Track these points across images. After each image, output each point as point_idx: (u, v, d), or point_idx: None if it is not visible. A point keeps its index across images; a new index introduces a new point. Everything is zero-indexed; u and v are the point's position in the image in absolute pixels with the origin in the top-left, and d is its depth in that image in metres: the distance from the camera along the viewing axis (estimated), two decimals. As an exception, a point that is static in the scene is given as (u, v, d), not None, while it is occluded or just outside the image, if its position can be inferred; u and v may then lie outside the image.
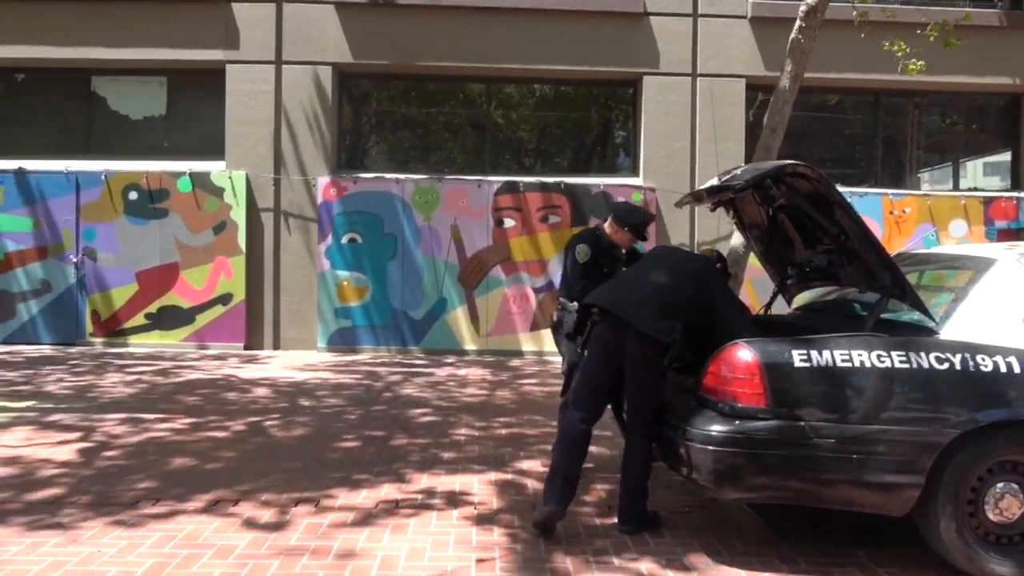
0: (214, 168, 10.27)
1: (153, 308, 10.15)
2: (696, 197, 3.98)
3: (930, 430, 3.05)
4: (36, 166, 10.18)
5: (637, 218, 4.25)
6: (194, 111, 10.69)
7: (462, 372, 8.51)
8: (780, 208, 3.77)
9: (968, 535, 3.07)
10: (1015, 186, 10.96)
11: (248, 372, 8.15)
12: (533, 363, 9.49)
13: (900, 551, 3.34)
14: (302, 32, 10.28)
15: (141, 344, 10.03)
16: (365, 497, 3.95)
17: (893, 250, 10.14)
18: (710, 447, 3.10)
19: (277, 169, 10.26)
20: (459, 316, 10.19)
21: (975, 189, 11.10)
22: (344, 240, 10.14)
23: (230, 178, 10.15)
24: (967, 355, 3.10)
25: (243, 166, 10.23)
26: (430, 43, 10.27)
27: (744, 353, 3.12)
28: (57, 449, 4.81)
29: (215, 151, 10.38)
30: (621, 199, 10.19)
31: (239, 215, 10.14)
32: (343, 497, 3.94)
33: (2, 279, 10.12)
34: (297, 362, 9.00)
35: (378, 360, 9.35)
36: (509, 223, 10.23)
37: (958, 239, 10.38)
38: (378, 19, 10.27)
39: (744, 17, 10.36)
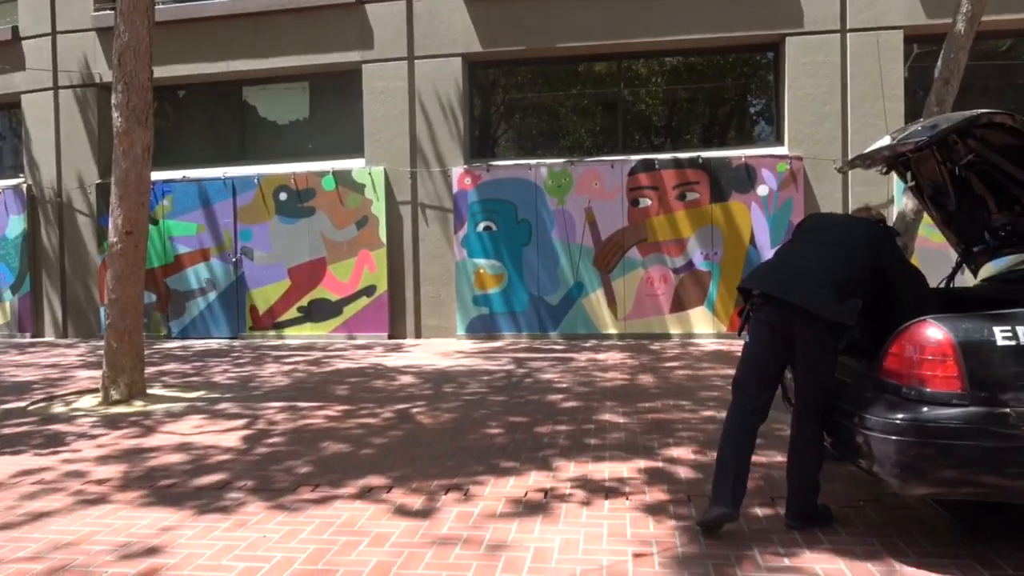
0: (355, 166, 10.66)
1: (304, 302, 10.70)
2: (867, 159, 3.57)
3: None
4: (198, 174, 10.99)
5: None
6: (334, 112, 11.14)
7: (602, 356, 8.34)
8: (968, 166, 3.31)
9: None
10: None
11: (393, 360, 8.39)
12: (674, 346, 9.17)
13: None
14: (432, 26, 10.42)
15: (295, 336, 10.61)
16: (513, 486, 3.89)
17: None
18: (894, 437, 2.76)
19: (413, 162, 10.49)
20: (596, 300, 10.01)
21: None
22: (480, 228, 10.22)
23: (370, 174, 10.49)
24: None
25: (381, 162, 10.54)
26: (557, 25, 10.12)
27: (934, 331, 2.75)
28: (223, 436, 5.11)
29: (355, 149, 10.77)
30: (765, 171, 9.62)
31: (379, 209, 10.46)
32: (491, 485, 3.90)
33: (174, 279, 11.02)
34: (439, 349, 9.18)
35: (517, 346, 9.37)
36: (645, 202, 9.92)
37: None
38: (505, 6, 10.24)
39: (899, -39, 9.43)
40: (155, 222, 11.19)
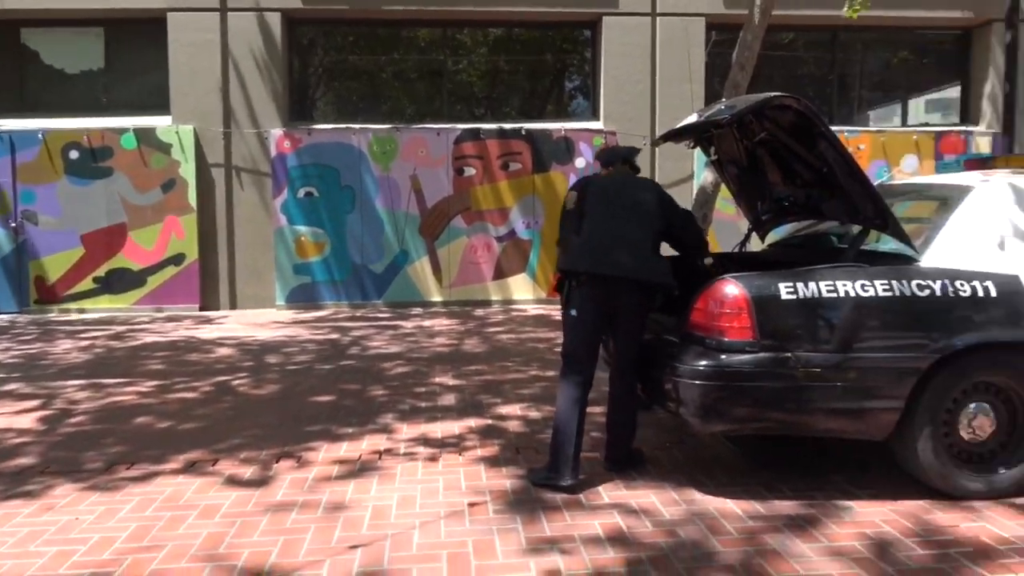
0: (159, 123, 9.82)
1: (101, 272, 9.77)
2: (676, 134, 3.90)
3: (911, 356, 3.11)
4: (-36, 125, 9.59)
5: (621, 153, 4.01)
6: (135, 63, 10.16)
7: (428, 323, 8.44)
8: (760, 143, 3.74)
9: (943, 454, 3.17)
10: (964, 120, 11.17)
11: (208, 332, 7.94)
12: (498, 312, 9.46)
13: (874, 475, 3.43)
14: (245, -24, 9.78)
15: (91, 309, 9.68)
16: (347, 450, 3.89)
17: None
18: (697, 381, 3.11)
19: (227, 122, 9.86)
20: (421, 268, 10.06)
21: (925, 124, 11.29)
22: (300, 194, 9.86)
23: (177, 133, 9.73)
24: (946, 281, 3.15)
25: (190, 120, 9.80)
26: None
27: (732, 288, 3.11)
28: (16, 418, 4.62)
29: (159, 105, 9.92)
30: (582, 144, 10.11)
31: (188, 171, 9.75)
32: (325, 450, 3.88)
33: (-63, 246, 9.61)
34: (258, 320, 8.81)
35: (341, 315, 9.21)
36: (469, 171, 10.07)
37: (910, 174, 10.58)
38: (325, -39, 9.83)
39: (702, -46, 10.20)
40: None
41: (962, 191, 3.45)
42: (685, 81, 10.29)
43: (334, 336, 7.55)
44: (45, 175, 9.69)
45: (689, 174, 10.25)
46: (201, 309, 9.78)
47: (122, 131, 9.69)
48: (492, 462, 3.69)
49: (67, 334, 7.94)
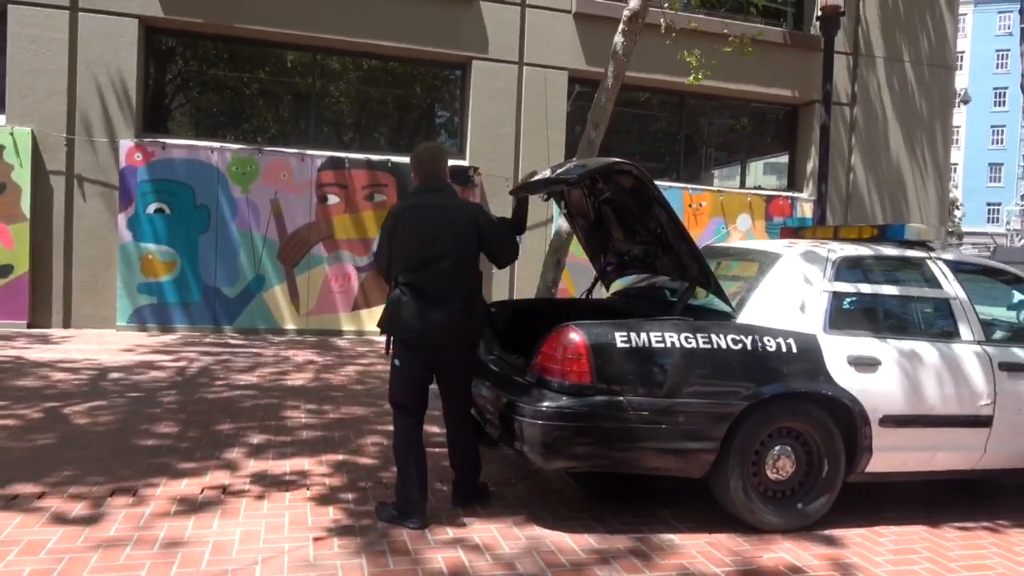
0: (-7, 123, 9.06)
1: (-89, 280, 8.82)
2: (529, 188, 4.17)
3: (725, 402, 3.50)
4: None
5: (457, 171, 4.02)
6: (-35, 55, 9.34)
7: (285, 352, 8.26)
8: (605, 201, 4.09)
9: (751, 491, 3.57)
10: (791, 186, 12.49)
11: (37, 353, 7.36)
12: (356, 343, 9.42)
13: (695, 509, 3.80)
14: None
15: None
16: (188, 484, 3.79)
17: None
18: (540, 421, 3.34)
19: (71, 128, 9.26)
20: (278, 294, 9.83)
21: (759, 188, 12.50)
22: (151, 210, 9.39)
23: (11, 134, 9.02)
24: (756, 337, 3.59)
25: (29, 122, 9.12)
26: (248, 5, 9.73)
27: (574, 335, 3.38)
28: None
29: (-7, 103, 9.16)
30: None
31: (22, 177, 9.04)
32: (164, 485, 3.75)
33: None
34: (96, 342, 8.26)
35: (190, 340, 8.81)
36: (333, 200, 10.01)
37: (744, 232, 11.66)
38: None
39: (569, 12, 10.83)
40: None
41: (772, 257, 3.95)
42: (546, 129, 10.82)
43: (181, 363, 7.23)
44: None
45: (548, 218, 10.74)
46: (30, 326, 9.02)
47: (-43, 128, 8.86)
48: (339, 498, 3.73)
49: None
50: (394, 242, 3.49)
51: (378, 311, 9.96)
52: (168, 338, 8.89)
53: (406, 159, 10.35)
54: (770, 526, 3.60)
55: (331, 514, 3.50)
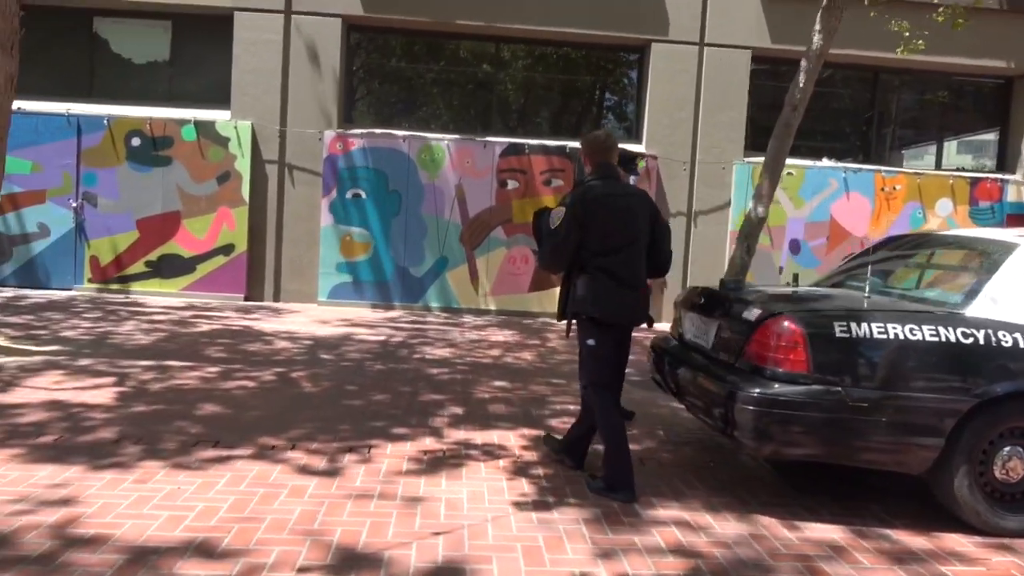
0: (219, 117, 10.21)
1: (153, 256, 10.16)
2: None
3: (952, 398, 3.34)
4: (36, 107, 10.01)
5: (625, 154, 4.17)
6: (200, 58, 10.57)
7: (466, 330, 8.72)
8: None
9: (977, 492, 3.40)
10: (1000, 167, 11.35)
11: (260, 323, 8.27)
12: (535, 323, 9.73)
13: (909, 506, 3.67)
14: (311, -18, 10.16)
15: (141, 292, 10.06)
16: (411, 447, 4.16)
17: (881, 226, 10.48)
18: (753, 407, 3.36)
19: (283, 121, 10.23)
20: (459, 275, 10.36)
21: (961, 169, 11.45)
22: (349, 195, 10.20)
23: (235, 128, 10.11)
24: (989, 331, 3.39)
25: (249, 116, 10.18)
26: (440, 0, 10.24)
27: (789, 324, 3.37)
28: (93, 393, 4.94)
29: (221, 100, 10.31)
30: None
31: (243, 165, 10.12)
32: (390, 448, 4.15)
33: (1, 220, 10.03)
34: (302, 314, 9.14)
35: (382, 316, 9.52)
36: (512, 184, 10.37)
37: (943, 218, 10.76)
38: (389, -28, 10.18)
39: (753, -11, 10.46)
40: (-21, 156, 10.07)
41: (1006, 247, 3.69)
42: (727, 110, 10.54)
43: (379, 336, 7.85)
44: (107, 159, 10.09)
45: (726, 201, 10.50)
46: (246, 299, 10.13)
47: (183, 122, 10.08)
48: (550, 469, 3.95)
49: (129, 315, 8.30)
50: (587, 227, 3.56)
51: (553, 293, 10.32)
52: (363, 313, 9.65)
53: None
54: (995, 529, 3.41)
55: (545, 482, 3.72)
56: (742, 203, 10.48)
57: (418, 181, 10.24)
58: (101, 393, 4.93)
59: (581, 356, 3.73)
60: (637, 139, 10.82)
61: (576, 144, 10.41)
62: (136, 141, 10.08)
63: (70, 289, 10.04)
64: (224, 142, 10.10)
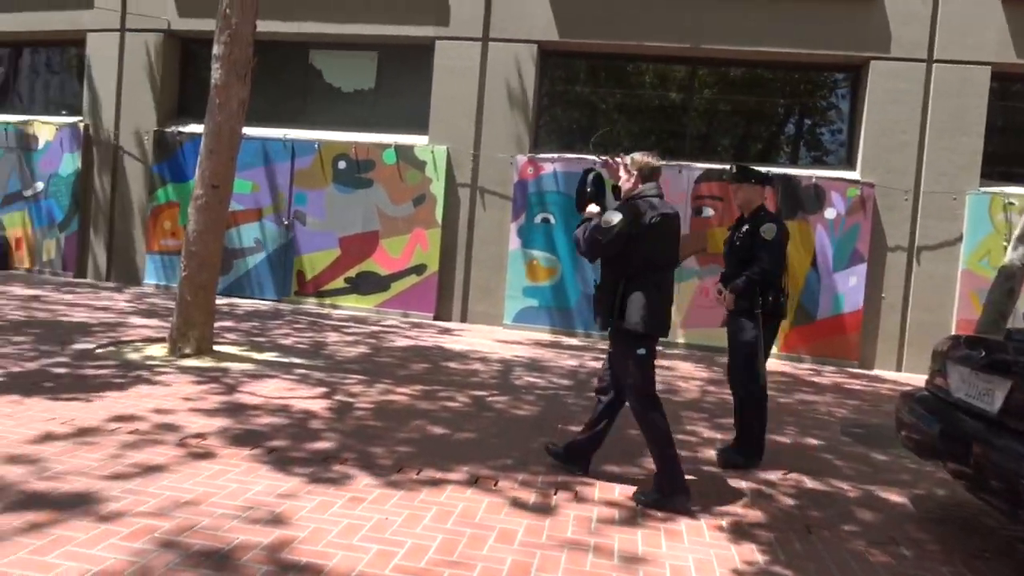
0: (418, 142, 10.55)
1: (353, 273, 10.63)
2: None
3: None
4: (258, 132, 10.86)
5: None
6: (402, 86, 11.02)
7: (660, 362, 8.23)
8: None
9: None
10: None
11: (451, 343, 8.32)
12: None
13: None
14: (510, 9, 10.28)
15: (339, 306, 10.55)
16: (621, 493, 3.81)
17: None
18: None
19: (477, 145, 10.38)
20: (648, 304, 9.90)
21: None
22: (538, 219, 10.12)
23: (432, 152, 10.39)
24: None
25: (445, 141, 10.43)
26: (635, 22, 9.97)
27: None
28: (311, 402, 5.05)
29: (420, 125, 10.66)
30: (834, 194, 9.50)
31: (438, 189, 10.37)
32: (599, 489, 3.82)
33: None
34: (490, 336, 9.12)
35: (569, 343, 9.29)
36: (708, 212, 9.82)
37: None
38: (586, -3, 10.08)
39: (997, -4, 9.26)
40: (209, 176, 11.10)
41: None
42: (960, 133, 9.35)
43: (569, 363, 7.61)
44: (316, 181, 10.74)
45: (957, 236, 9.28)
46: (435, 318, 10.32)
47: (384, 147, 10.52)
48: (778, 531, 3.44)
49: (332, 327, 8.68)
50: (642, 240, 3.68)
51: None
52: (548, 338, 9.47)
53: (787, 171, 9.80)
54: None
55: (779, 553, 3.22)
56: (977, 238, 9.24)
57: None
58: (319, 403, 5.05)
59: (621, 366, 3.83)
60: (850, 165, 9.89)
61: (779, 169, 9.69)
62: (342, 164, 10.65)
63: (278, 300, 10.75)
64: (421, 166, 10.41)
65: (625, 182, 3.91)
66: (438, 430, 4.65)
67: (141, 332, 7.34)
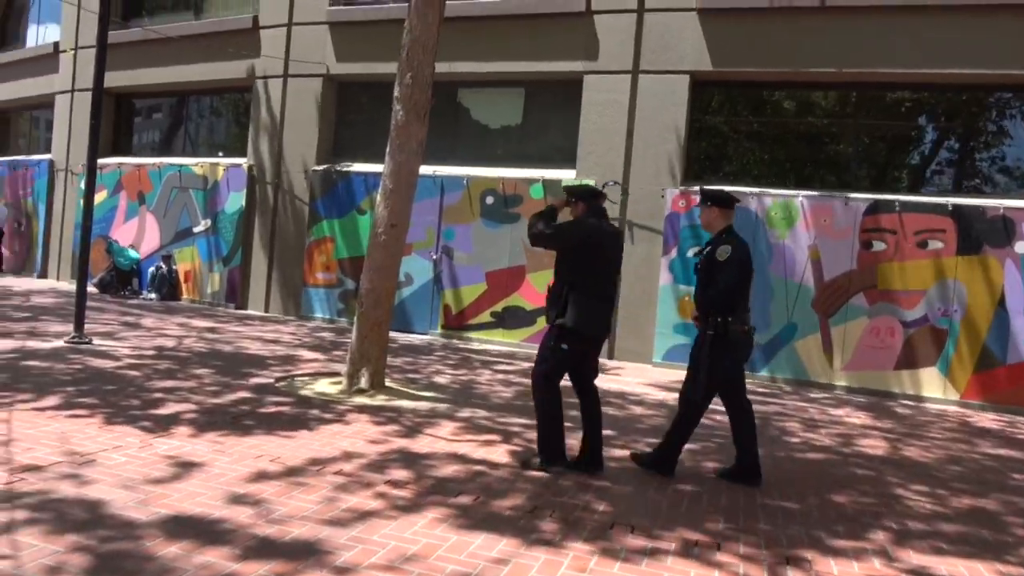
0: (565, 176, 10.48)
1: (499, 307, 10.65)
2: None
3: None
4: (409, 169, 11.12)
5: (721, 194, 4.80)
6: (549, 120, 11.05)
7: (830, 409, 7.69)
8: None
9: None
10: None
11: (606, 382, 8.08)
12: (909, 407, 8.34)
13: None
14: (661, 41, 10.11)
15: (486, 340, 10.57)
16: (859, 569, 3.43)
17: None
18: None
19: (626, 179, 10.21)
20: (810, 345, 9.34)
21: None
22: (689, 253, 9.77)
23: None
24: None
25: (593, 175, 10.29)
26: (793, 47, 9.55)
27: None
28: (489, 450, 4.94)
29: (567, 160, 10.62)
30: (1027, 226, 8.65)
31: (586, 223, 10.22)
32: (836, 569, 3.44)
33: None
34: (642, 376, 8.83)
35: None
36: (879, 246, 9.15)
37: None
38: (741, 23, 9.76)
39: None
40: (362, 212, 11.51)
41: None
42: None
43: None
44: (464, 216, 10.89)
45: None
46: (581, 355, 10.12)
47: (532, 181, 10.53)
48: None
49: (482, 364, 8.67)
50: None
51: (928, 372, 8.80)
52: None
53: (969, 201, 9.00)
54: None
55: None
56: None
57: (767, 240, 9.51)
58: (495, 451, 4.94)
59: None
60: (1040, 194, 8.98)
61: (961, 200, 8.93)
62: (490, 199, 10.75)
63: (425, 334, 10.91)
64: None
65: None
66: (627, 487, 4.41)
67: (311, 366, 7.56)
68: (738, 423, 4.65)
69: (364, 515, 3.52)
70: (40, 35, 16.93)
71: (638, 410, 6.79)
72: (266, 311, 12.30)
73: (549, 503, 3.96)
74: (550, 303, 4.50)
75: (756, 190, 9.65)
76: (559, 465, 4.48)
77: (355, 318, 6.47)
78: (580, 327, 4.37)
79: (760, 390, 8.60)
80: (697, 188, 9.81)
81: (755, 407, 6.62)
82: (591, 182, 5.06)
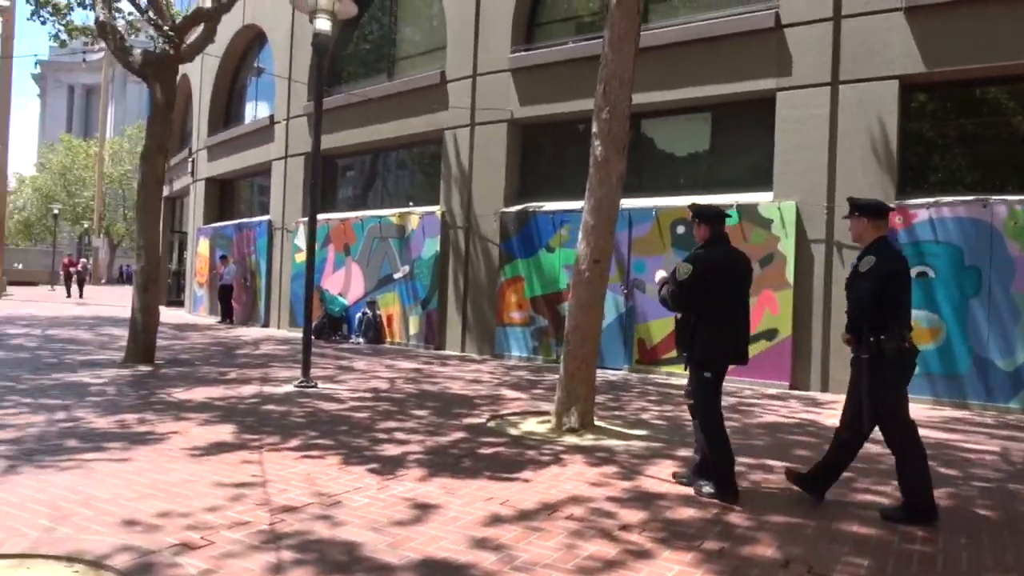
0: (761, 199, 9.99)
1: (695, 340, 10.22)
2: None
3: None
4: (596, 205, 11.11)
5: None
6: (738, 143, 10.62)
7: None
8: None
9: None
10: None
11: (827, 417, 7.47)
12: None
13: None
14: (863, 48, 9.40)
15: (683, 375, 10.16)
16: None
17: None
18: None
19: (830, 197, 9.51)
20: (1072, 370, 8.07)
21: None
22: (913, 274, 8.81)
23: (779, 209, 9.74)
24: None
25: (792, 196, 9.74)
26: (1017, 39, 8.45)
27: None
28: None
29: (761, 182, 10.12)
30: None
31: (787, 247, 9.65)
32: None
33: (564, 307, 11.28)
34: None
35: (967, 417, 7.86)
36: None
37: None
38: (953, 20, 8.84)
39: None
40: (551, 250, 11.64)
41: None
42: None
43: (987, 447, 6.33)
44: (654, 248, 10.66)
45: None
46: (790, 387, 9.48)
47: (726, 207, 10.04)
48: None
49: (681, 399, 8.32)
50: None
51: None
52: (933, 413, 8.10)
53: None
54: None
55: None
56: None
57: (1005, 253, 8.42)
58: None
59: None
60: None
61: None
62: (680, 229, 10.45)
63: (619, 369, 10.73)
64: (767, 224, 9.81)
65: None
66: (882, 531, 3.94)
67: (516, 404, 7.65)
68: (902, 457, 4.27)
69: (609, 565, 3.39)
70: (256, 111, 19.06)
71: (874, 449, 6.15)
72: (462, 351, 12.73)
73: (791, 554, 3.61)
74: (678, 334, 4.61)
75: (990, 198, 8.60)
76: (729, 495, 4.43)
77: (562, 356, 6.46)
78: (707, 356, 4.49)
79: (1010, 420, 7.53)
80: (916, 201, 8.96)
81: (1003, 442, 5.95)
82: (721, 207, 4.90)
